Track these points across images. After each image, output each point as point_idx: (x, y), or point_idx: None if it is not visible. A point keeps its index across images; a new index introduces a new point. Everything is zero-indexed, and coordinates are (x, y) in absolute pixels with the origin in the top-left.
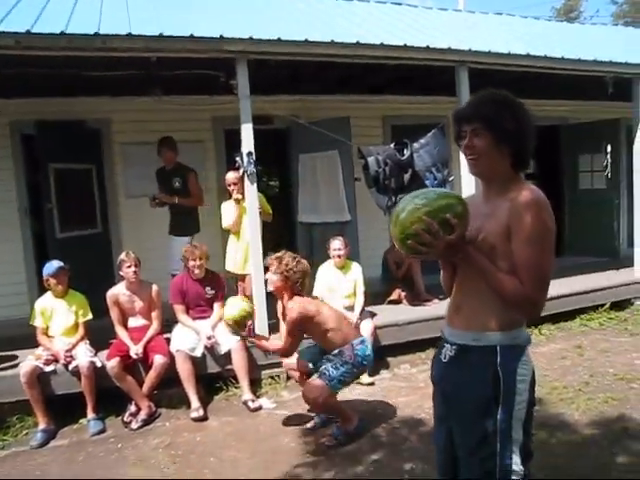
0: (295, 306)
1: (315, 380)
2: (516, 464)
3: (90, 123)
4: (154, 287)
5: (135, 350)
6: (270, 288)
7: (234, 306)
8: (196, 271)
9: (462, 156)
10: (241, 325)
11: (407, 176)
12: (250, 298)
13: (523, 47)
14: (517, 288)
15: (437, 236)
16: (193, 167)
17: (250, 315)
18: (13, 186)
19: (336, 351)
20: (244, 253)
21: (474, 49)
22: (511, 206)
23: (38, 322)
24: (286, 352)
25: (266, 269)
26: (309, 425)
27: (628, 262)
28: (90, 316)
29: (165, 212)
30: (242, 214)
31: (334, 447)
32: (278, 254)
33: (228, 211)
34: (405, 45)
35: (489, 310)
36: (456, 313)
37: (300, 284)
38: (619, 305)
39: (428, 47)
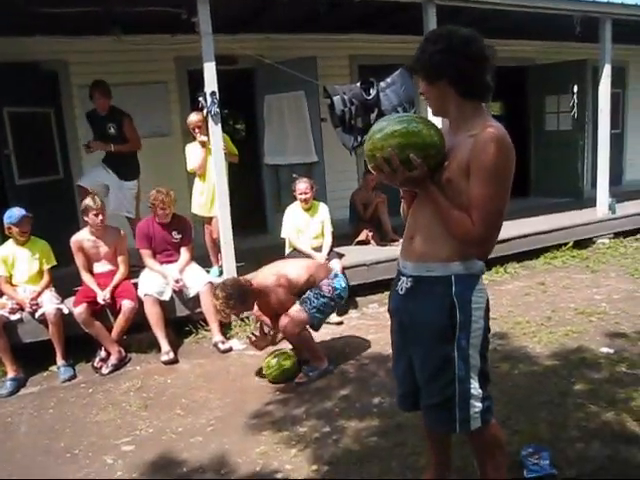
0: (268, 286)
1: (295, 308)
2: (474, 388)
3: (46, 65)
4: (120, 232)
5: (102, 295)
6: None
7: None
8: (163, 217)
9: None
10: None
11: (373, 115)
12: (217, 242)
13: None
14: (466, 226)
15: (396, 170)
16: (156, 109)
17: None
18: None
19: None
20: (210, 195)
21: None
22: (474, 142)
23: (0, 271)
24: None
25: None
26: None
27: (591, 203)
28: (54, 262)
29: None
30: (207, 156)
31: (305, 384)
32: (216, 309)
33: (193, 153)
34: None
35: (442, 241)
36: (410, 245)
37: (247, 294)
38: (581, 244)
39: None
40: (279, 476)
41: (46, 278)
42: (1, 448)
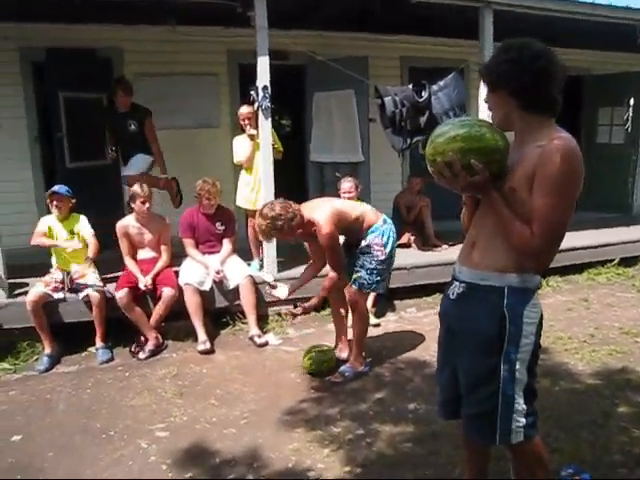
0: (320, 224)
1: (353, 290)
2: (518, 403)
3: (102, 52)
4: (165, 220)
5: (144, 282)
6: (291, 242)
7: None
8: (209, 207)
9: (480, 101)
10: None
11: (423, 119)
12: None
13: None
14: (525, 237)
15: (458, 175)
16: (205, 101)
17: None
18: (23, 114)
19: (364, 243)
20: (256, 188)
21: None
22: (540, 152)
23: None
24: (339, 270)
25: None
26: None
27: None
28: (91, 231)
29: (179, 145)
30: (255, 150)
31: (340, 384)
32: (260, 229)
33: (241, 146)
34: None
35: (501, 251)
36: (469, 251)
37: (296, 218)
38: (628, 261)
39: None
40: (312, 474)
41: (92, 248)
42: (41, 424)
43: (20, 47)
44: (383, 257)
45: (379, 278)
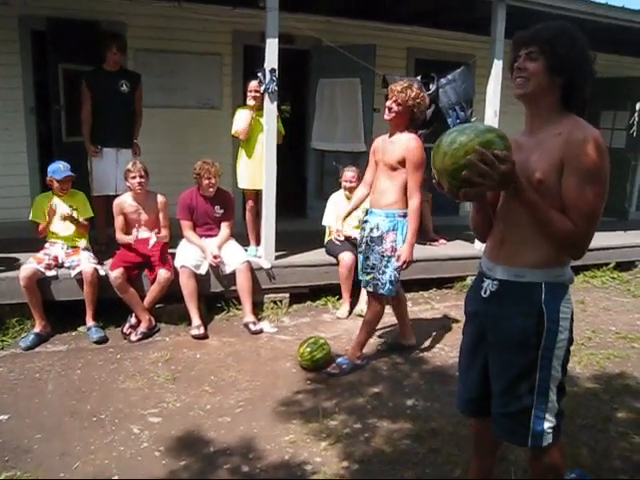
0: (419, 143)
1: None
2: (552, 401)
3: (105, 25)
4: (160, 197)
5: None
6: (386, 117)
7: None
8: (210, 190)
9: (487, 97)
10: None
11: (429, 111)
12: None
13: None
14: (567, 227)
15: (493, 166)
16: (208, 81)
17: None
18: (20, 84)
19: (376, 234)
20: (256, 168)
21: None
22: (566, 140)
23: (38, 218)
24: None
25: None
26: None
27: (636, 224)
28: (91, 214)
29: (178, 125)
30: (257, 128)
31: (336, 376)
32: (403, 84)
33: (240, 117)
34: None
35: (534, 246)
36: (498, 248)
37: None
38: (623, 266)
39: None
40: (308, 468)
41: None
42: (29, 404)
43: (20, 14)
44: (390, 253)
45: (393, 274)
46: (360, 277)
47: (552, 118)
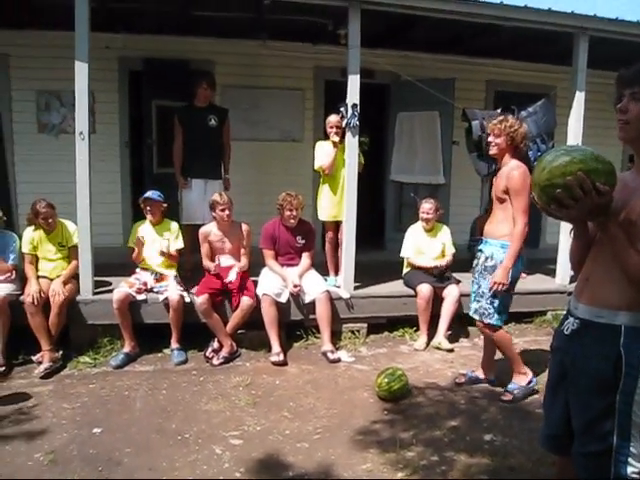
0: (520, 170)
1: (486, 328)
2: (634, 447)
3: (195, 63)
4: (244, 226)
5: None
6: (492, 152)
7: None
8: (291, 221)
9: (569, 129)
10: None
11: None
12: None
13: None
14: None
15: (590, 195)
16: (290, 115)
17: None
18: (116, 120)
19: (490, 263)
20: (337, 200)
21: (599, 15)
22: None
23: (133, 244)
24: (525, 228)
25: None
26: (457, 380)
27: None
28: (181, 244)
29: (261, 157)
30: (339, 161)
31: (511, 402)
32: (499, 118)
33: (324, 152)
34: (526, 6)
35: (617, 287)
36: (583, 285)
37: (523, 145)
38: None
39: (550, 10)
40: None
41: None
42: (119, 419)
43: (119, 56)
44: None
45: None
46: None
47: None
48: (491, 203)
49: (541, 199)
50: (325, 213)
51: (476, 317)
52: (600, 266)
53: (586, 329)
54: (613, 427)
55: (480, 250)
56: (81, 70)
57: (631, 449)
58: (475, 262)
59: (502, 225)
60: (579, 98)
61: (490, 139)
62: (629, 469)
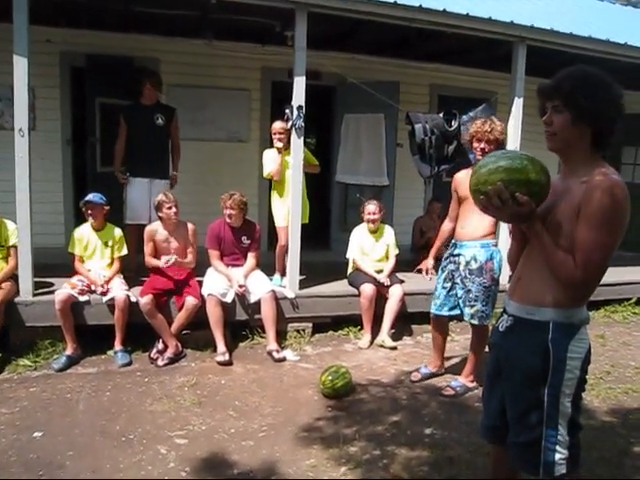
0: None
1: (478, 329)
2: (561, 435)
3: (139, 61)
4: (190, 226)
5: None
6: (479, 157)
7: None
8: (229, 220)
9: (510, 133)
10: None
11: (451, 148)
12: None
13: (586, 29)
14: (567, 267)
15: (506, 204)
16: (237, 115)
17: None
18: (58, 117)
19: (475, 265)
20: (287, 206)
21: (537, 26)
22: (586, 188)
23: (77, 250)
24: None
25: None
26: (413, 378)
27: None
28: (125, 251)
29: (207, 158)
30: (286, 167)
31: (451, 397)
32: (483, 121)
33: (271, 159)
34: (468, 14)
35: (546, 285)
36: (516, 284)
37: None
38: None
39: (490, 19)
40: None
41: (116, 265)
42: (61, 422)
43: (61, 51)
44: (490, 283)
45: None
46: (460, 311)
47: (582, 164)
48: (432, 204)
49: (474, 198)
50: (283, 219)
51: (474, 322)
52: (531, 266)
53: (517, 325)
54: (542, 418)
55: (457, 255)
56: (20, 64)
57: (558, 437)
58: (451, 267)
59: (480, 226)
60: (518, 104)
61: (482, 145)
62: (557, 455)
